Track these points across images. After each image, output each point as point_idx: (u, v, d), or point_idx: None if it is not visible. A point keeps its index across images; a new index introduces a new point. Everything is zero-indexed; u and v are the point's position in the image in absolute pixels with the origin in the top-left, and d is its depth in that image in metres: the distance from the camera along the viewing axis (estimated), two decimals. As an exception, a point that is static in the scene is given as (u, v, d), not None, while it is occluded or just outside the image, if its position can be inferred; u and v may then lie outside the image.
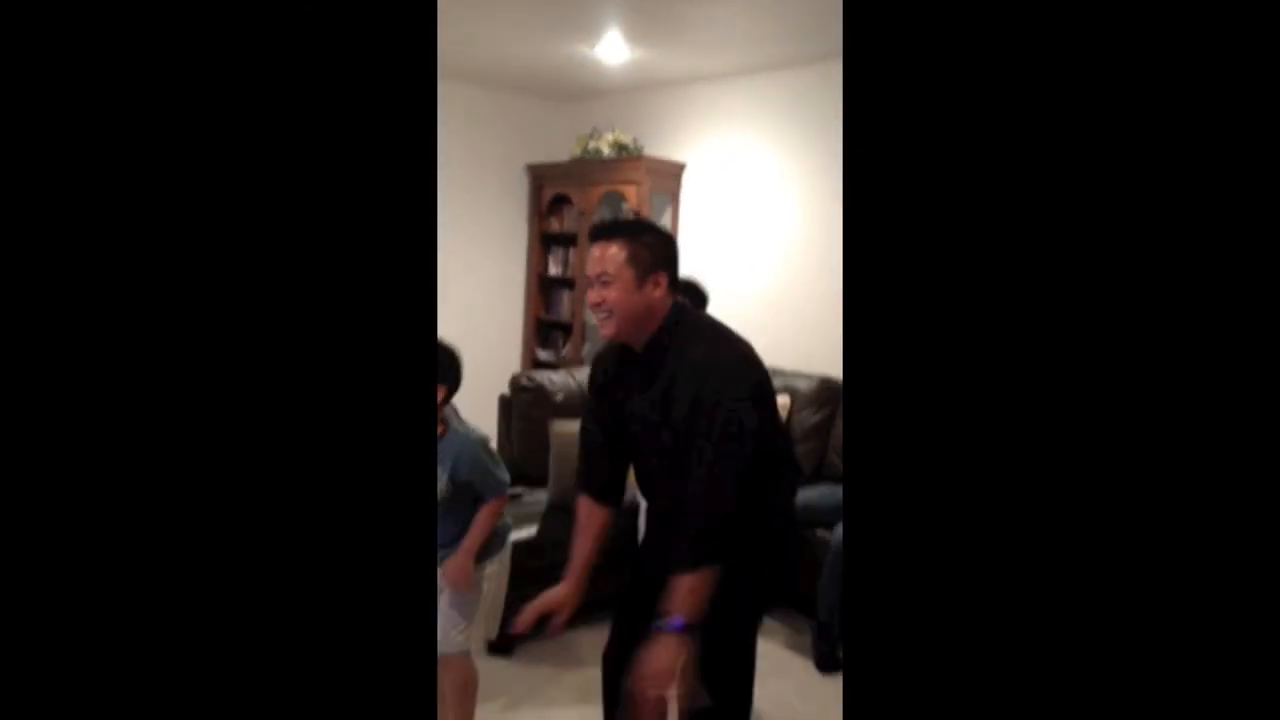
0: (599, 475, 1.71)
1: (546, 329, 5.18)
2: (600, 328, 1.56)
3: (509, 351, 5.14)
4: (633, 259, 1.50)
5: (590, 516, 1.70)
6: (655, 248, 1.53)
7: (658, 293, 1.52)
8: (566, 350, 4.93)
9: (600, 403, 1.70)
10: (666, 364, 1.51)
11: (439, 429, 1.88)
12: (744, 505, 1.46)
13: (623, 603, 1.75)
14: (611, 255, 1.50)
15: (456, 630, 1.90)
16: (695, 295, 2.74)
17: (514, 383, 3.34)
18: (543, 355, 5.09)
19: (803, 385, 3.47)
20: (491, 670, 2.49)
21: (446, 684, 1.95)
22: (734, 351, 1.54)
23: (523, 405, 3.26)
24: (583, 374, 3.46)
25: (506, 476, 1.93)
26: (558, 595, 1.63)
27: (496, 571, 1.96)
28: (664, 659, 1.37)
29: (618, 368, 1.64)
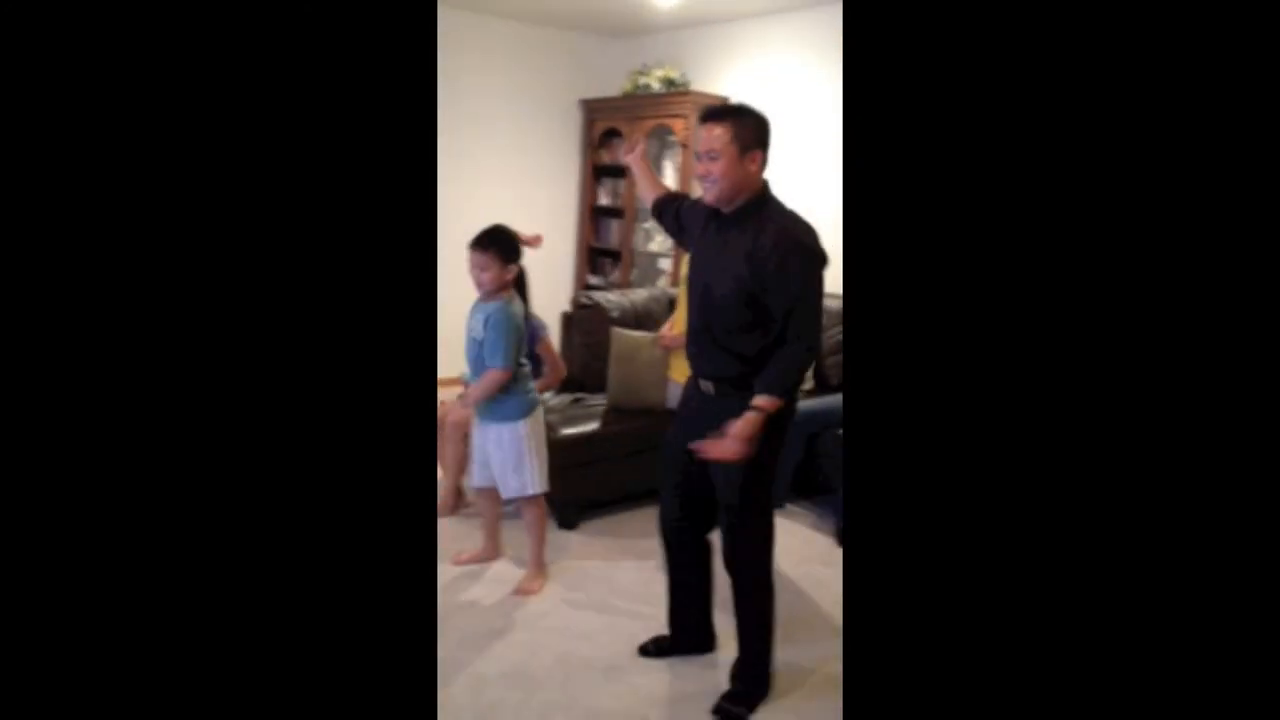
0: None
1: (597, 256, 5.55)
2: (704, 194, 1.88)
3: (562, 276, 5.53)
4: (736, 137, 1.79)
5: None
6: (755, 129, 1.83)
7: (754, 167, 1.83)
8: (615, 276, 5.31)
9: (683, 220, 2.08)
10: (754, 224, 1.82)
11: (506, 292, 2.42)
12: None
13: (666, 477, 2.12)
14: (717, 135, 1.79)
15: (515, 479, 2.49)
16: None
17: (575, 301, 3.76)
18: (593, 280, 5.47)
19: (833, 305, 3.83)
20: (564, 540, 2.98)
21: (527, 518, 2.60)
22: (812, 237, 1.84)
23: (583, 321, 3.67)
24: (634, 295, 3.85)
25: (506, 362, 2.37)
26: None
27: (530, 429, 2.49)
28: (746, 429, 1.78)
29: (701, 223, 1.97)
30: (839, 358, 3.74)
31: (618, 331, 3.39)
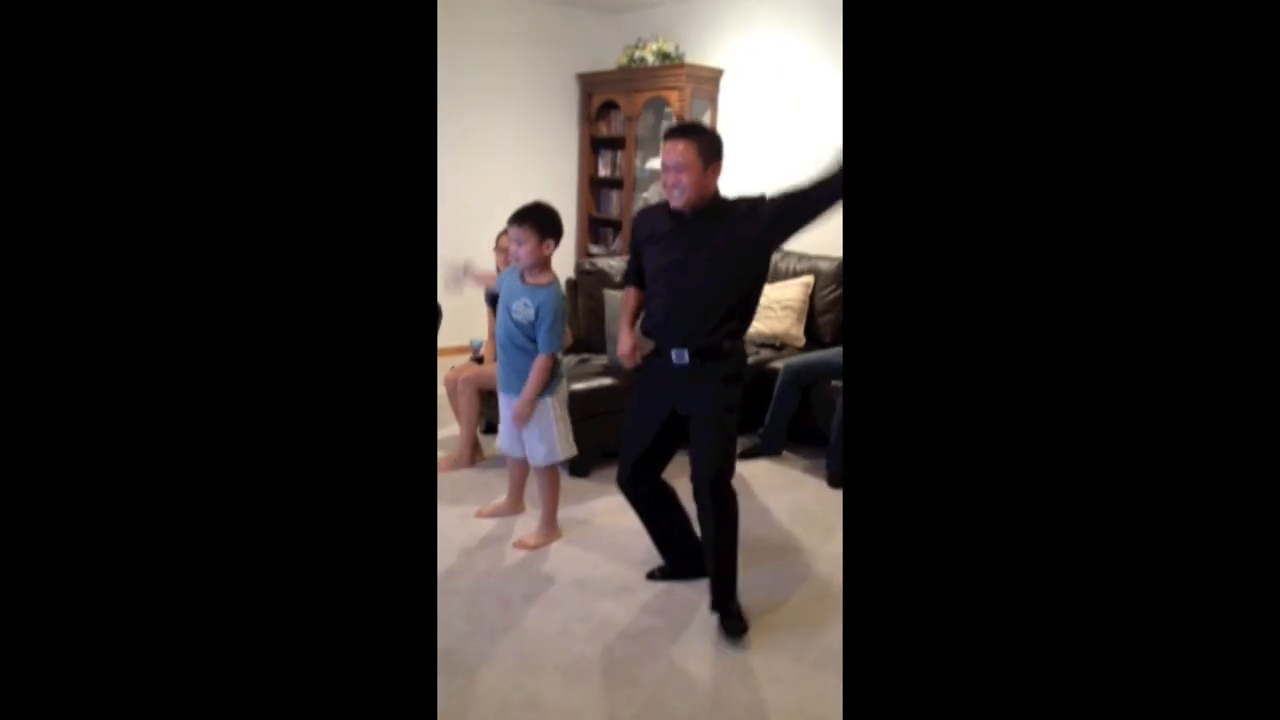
0: (635, 275, 2.35)
1: (598, 226, 5.74)
2: (672, 201, 2.14)
3: (564, 246, 5.66)
4: (700, 151, 2.09)
5: (632, 295, 2.37)
6: (714, 144, 2.13)
7: (714, 176, 2.13)
8: (616, 245, 5.50)
9: (640, 249, 2.30)
10: (726, 220, 2.12)
11: (548, 277, 2.53)
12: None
13: (635, 421, 2.35)
14: (682, 150, 2.08)
15: (543, 448, 2.63)
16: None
17: (579, 267, 3.96)
18: (594, 250, 5.67)
19: (825, 266, 4.04)
20: (577, 486, 3.22)
21: (543, 482, 2.72)
22: None
23: (587, 285, 3.87)
24: (635, 260, 4.06)
25: (558, 345, 2.52)
26: (625, 344, 2.32)
27: (555, 402, 2.62)
28: None
29: (661, 227, 2.22)
30: (830, 316, 3.96)
31: (610, 293, 3.60)
